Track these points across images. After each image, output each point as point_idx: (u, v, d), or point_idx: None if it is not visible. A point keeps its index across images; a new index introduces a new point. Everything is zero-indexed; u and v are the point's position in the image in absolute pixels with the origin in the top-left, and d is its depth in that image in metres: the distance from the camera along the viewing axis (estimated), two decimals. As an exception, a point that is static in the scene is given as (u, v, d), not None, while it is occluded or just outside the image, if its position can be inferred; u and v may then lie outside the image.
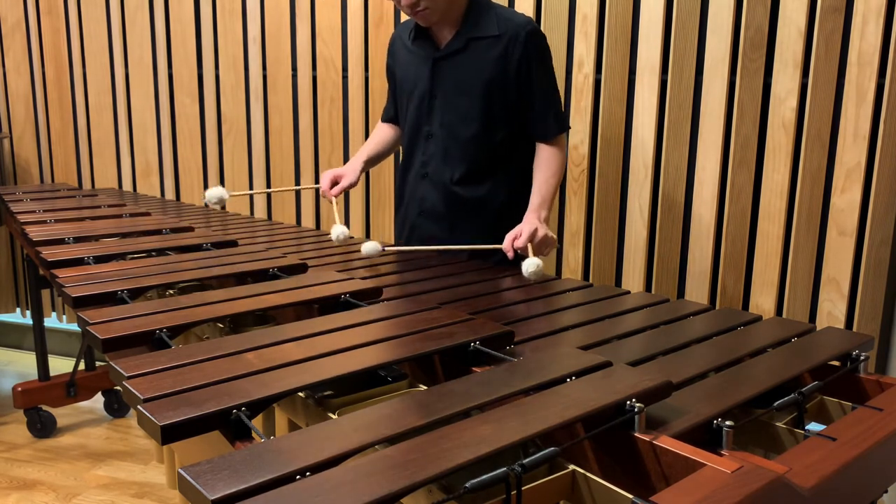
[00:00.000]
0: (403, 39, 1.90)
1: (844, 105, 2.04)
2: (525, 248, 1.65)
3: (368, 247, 1.76)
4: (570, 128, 1.85)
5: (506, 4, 2.34)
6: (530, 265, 1.57)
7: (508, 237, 1.68)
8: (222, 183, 2.90)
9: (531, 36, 1.76)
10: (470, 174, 1.83)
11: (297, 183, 2.78)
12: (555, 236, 1.72)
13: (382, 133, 2.07)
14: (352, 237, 1.82)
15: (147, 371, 0.95)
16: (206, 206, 2.00)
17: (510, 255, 1.67)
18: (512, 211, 1.86)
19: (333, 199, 1.96)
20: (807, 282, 2.14)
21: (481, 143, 1.81)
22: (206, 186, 2.92)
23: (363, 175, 2.05)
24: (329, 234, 1.96)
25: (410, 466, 0.69)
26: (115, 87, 2.99)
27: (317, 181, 2.74)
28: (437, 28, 1.82)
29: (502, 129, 1.82)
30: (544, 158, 1.82)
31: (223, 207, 2.27)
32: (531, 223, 1.69)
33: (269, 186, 2.83)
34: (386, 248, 1.82)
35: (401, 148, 2.01)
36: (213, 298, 1.29)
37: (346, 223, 2.70)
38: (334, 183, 1.96)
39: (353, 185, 1.97)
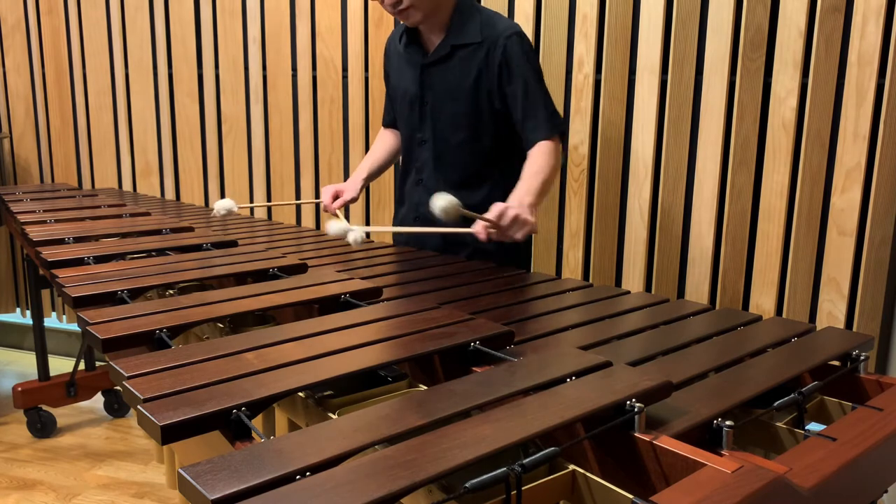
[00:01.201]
0: (397, 44, 1.90)
1: (844, 105, 2.04)
2: (496, 228, 1.56)
3: (335, 227, 1.73)
4: (564, 130, 1.80)
5: (506, 4, 2.34)
6: (438, 199, 1.46)
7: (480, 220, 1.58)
8: (222, 182, 2.90)
9: (510, 41, 1.73)
10: (463, 181, 1.82)
11: (297, 183, 2.78)
12: (534, 220, 1.59)
13: (383, 143, 2.08)
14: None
15: (147, 371, 0.95)
16: (215, 216, 2.02)
17: (482, 236, 1.58)
18: None
19: (338, 213, 1.98)
20: (807, 282, 2.14)
21: (471, 149, 1.81)
22: (206, 186, 2.92)
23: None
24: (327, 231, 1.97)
25: (410, 466, 0.69)
26: (115, 87, 2.99)
27: (317, 182, 2.75)
28: (426, 33, 1.81)
29: (491, 135, 1.81)
30: (531, 157, 1.74)
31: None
32: (506, 203, 1.59)
33: (269, 187, 2.83)
34: (351, 228, 1.74)
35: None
36: (213, 298, 1.29)
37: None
38: (335, 197, 1.99)
39: (354, 201, 2.00)
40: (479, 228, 1.58)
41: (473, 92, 1.77)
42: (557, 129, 1.77)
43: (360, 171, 2.06)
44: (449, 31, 1.78)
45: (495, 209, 1.55)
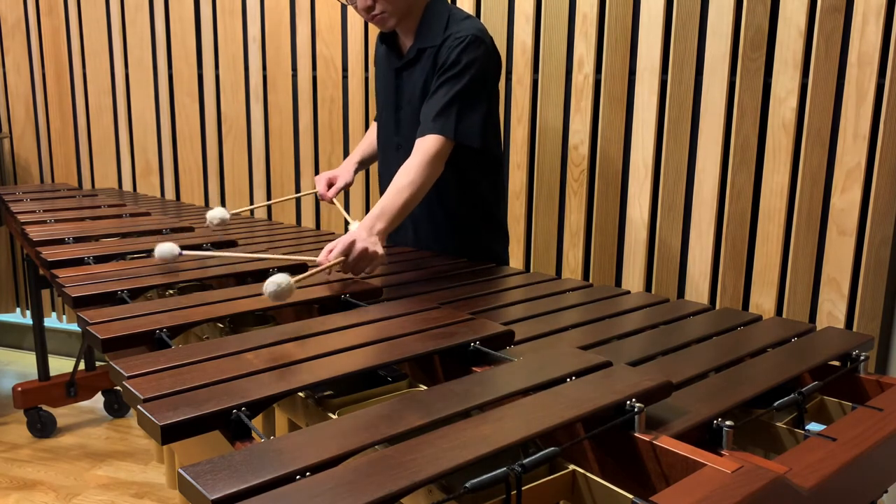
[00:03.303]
0: (379, 46, 1.89)
1: (844, 105, 2.04)
2: (342, 264, 1.44)
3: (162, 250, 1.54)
4: (464, 141, 1.66)
5: (506, 4, 2.34)
6: (269, 284, 1.24)
7: (325, 249, 1.46)
8: (222, 182, 2.90)
9: (457, 42, 1.66)
10: (436, 187, 1.74)
11: (297, 183, 2.78)
12: (382, 252, 1.48)
13: (375, 133, 2.07)
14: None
15: (147, 371, 0.95)
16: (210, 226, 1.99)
17: (326, 270, 1.46)
18: (485, 223, 1.86)
19: (335, 201, 1.97)
20: (807, 282, 2.14)
21: None
22: (206, 186, 2.92)
23: (361, 174, 2.06)
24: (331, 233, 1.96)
25: (410, 466, 0.69)
26: (115, 87, 2.99)
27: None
28: (402, 35, 1.80)
29: None
30: (404, 166, 1.62)
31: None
32: (353, 234, 1.47)
33: (269, 187, 2.83)
34: (183, 253, 1.57)
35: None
36: (213, 298, 1.29)
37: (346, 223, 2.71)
38: (330, 185, 1.97)
39: (349, 185, 1.98)
40: (322, 259, 1.45)
41: (423, 95, 1.72)
42: (448, 131, 1.63)
43: (353, 155, 2.04)
44: (417, 34, 1.74)
45: (342, 243, 1.44)
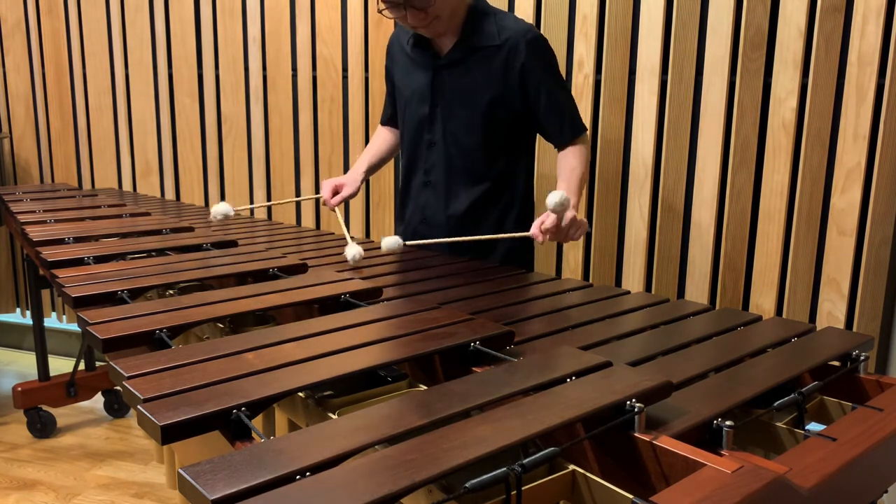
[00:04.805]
0: (402, 43, 1.88)
1: (844, 105, 2.04)
2: (555, 232, 1.60)
3: (389, 242, 1.77)
4: (587, 128, 1.86)
5: (506, 4, 2.34)
6: (554, 196, 1.52)
7: (536, 222, 1.62)
8: (222, 182, 2.90)
9: (531, 44, 1.73)
10: (472, 180, 1.82)
11: (297, 183, 2.78)
12: (585, 220, 1.68)
13: (382, 138, 2.07)
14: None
15: (147, 371, 0.95)
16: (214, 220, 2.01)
17: (540, 239, 1.62)
18: (515, 222, 1.85)
19: (336, 210, 1.96)
20: (807, 282, 2.14)
21: (484, 153, 1.80)
22: (206, 186, 2.92)
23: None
24: (328, 240, 1.97)
25: (410, 466, 0.69)
26: (115, 87, 2.99)
27: (317, 182, 2.75)
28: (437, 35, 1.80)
29: (505, 139, 1.80)
30: (564, 156, 1.81)
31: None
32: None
33: (269, 187, 2.83)
34: (407, 244, 1.82)
35: (401, 153, 2.01)
36: (213, 298, 1.29)
37: (347, 223, 2.71)
38: (335, 192, 1.96)
39: (353, 195, 1.97)
40: (536, 231, 1.62)
41: (490, 96, 1.75)
42: (581, 129, 1.82)
43: (360, 164, 2.03)
44: (464, 33, 1.75)
45: (553, 214, 1.60)
